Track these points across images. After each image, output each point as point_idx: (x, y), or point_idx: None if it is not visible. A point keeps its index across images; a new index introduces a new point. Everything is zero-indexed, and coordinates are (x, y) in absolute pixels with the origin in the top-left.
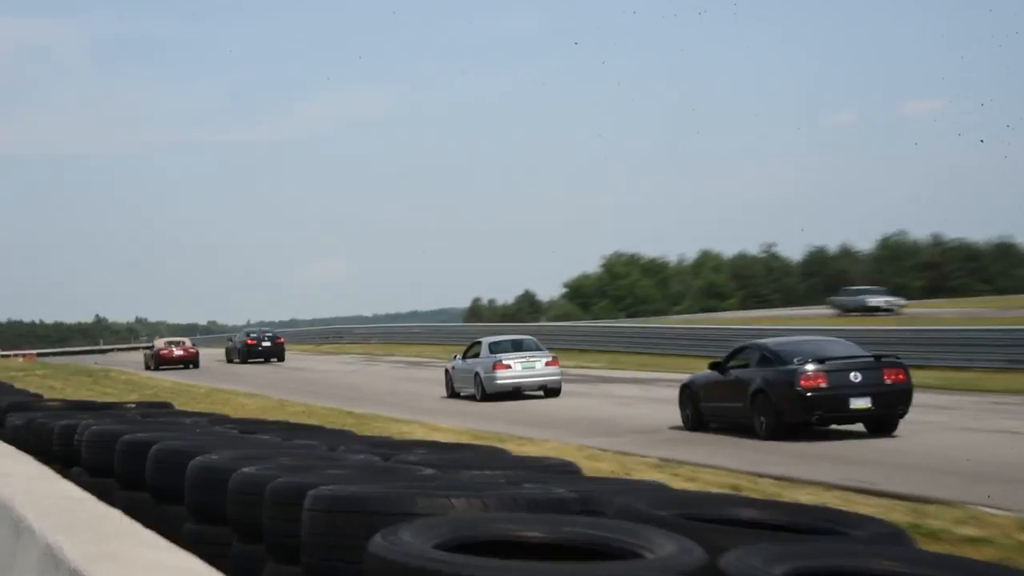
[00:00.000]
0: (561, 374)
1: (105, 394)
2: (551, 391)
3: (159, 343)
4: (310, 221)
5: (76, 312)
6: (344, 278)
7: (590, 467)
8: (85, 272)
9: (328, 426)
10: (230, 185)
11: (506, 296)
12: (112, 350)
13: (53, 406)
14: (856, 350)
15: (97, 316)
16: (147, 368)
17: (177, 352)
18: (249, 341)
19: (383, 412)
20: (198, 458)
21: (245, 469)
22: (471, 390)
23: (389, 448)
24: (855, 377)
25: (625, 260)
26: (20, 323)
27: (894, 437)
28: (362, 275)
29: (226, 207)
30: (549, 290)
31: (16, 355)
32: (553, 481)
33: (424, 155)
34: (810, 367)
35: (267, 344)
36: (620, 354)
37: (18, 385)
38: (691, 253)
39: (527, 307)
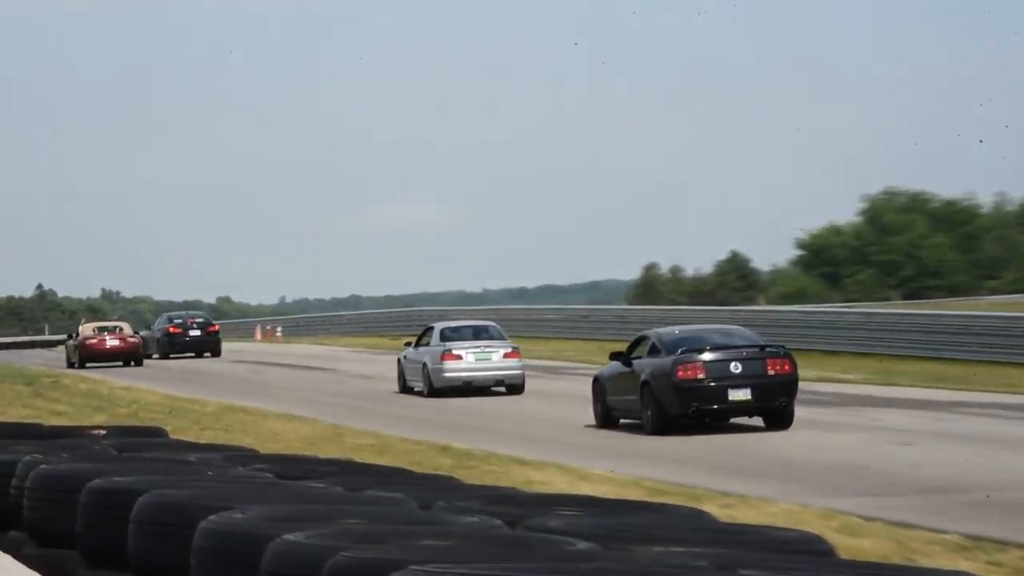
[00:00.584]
0: (523, 368)
1: (55, 413)
2: (511, 388)
3: (86, 329)
4: (382, 139)
5: (6, 283)
6: (436, 232)
7: (847, 546)
8: (20, 221)
9: (415, 469)
10: (246, 75)
11: (701, 262)
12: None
13: None
14: (749, 340)
15: (40, 288)
16: (70, 365)
17: (111, 342)
18: (172, 329)
19: (501, 448)
20: (213, 517)
21: (289, 537)
22: (421, 384)
23: (515, 506)
24: (735, 368)
25: (903, 203)
26: None
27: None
28: (466, 228)
29: (241, 113)
30: (771, 253)
31: None
32: (787, 566)
33: (571, 30)
34: (688, 357)
35: (196, 333)
36: (896, 359)
37: None
38: (1019, 192)
39: (734, 280)
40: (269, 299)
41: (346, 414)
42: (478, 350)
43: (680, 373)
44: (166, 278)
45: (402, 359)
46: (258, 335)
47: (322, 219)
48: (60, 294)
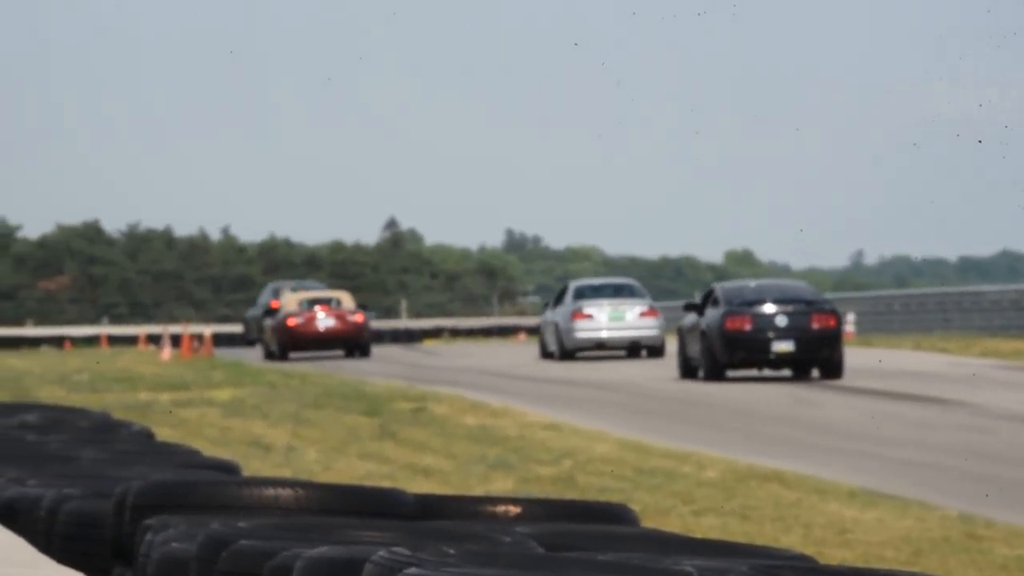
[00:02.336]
0: (661, 328)
1: (420, 470)
2: (650, 350)
3: (289, 302)
4: None
5: (344, 221)
6: None
7: None
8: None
9: None
10: None
11: None
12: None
13: (279, 499)
14: (801, 295)
15: (393, 226)
16: (268, 355)
17: (325, 321)
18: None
19: None
20: None
21: None
22: (555, 347)
23: None
24: (781, 321)
25: None
26: (207, 242)
27: None
28: None
29: None
30: None
31: (162, 335)
32: None
33: None
34: (738, 309)
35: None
36: None
37: (164, 432)
38: None
39: None
40: (830, 258)
41: (985, 492)
42: (612, 308)
43: (728, 324)
44: (622, 219)
45: (542, 322)
46: None
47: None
48: (428, 240)
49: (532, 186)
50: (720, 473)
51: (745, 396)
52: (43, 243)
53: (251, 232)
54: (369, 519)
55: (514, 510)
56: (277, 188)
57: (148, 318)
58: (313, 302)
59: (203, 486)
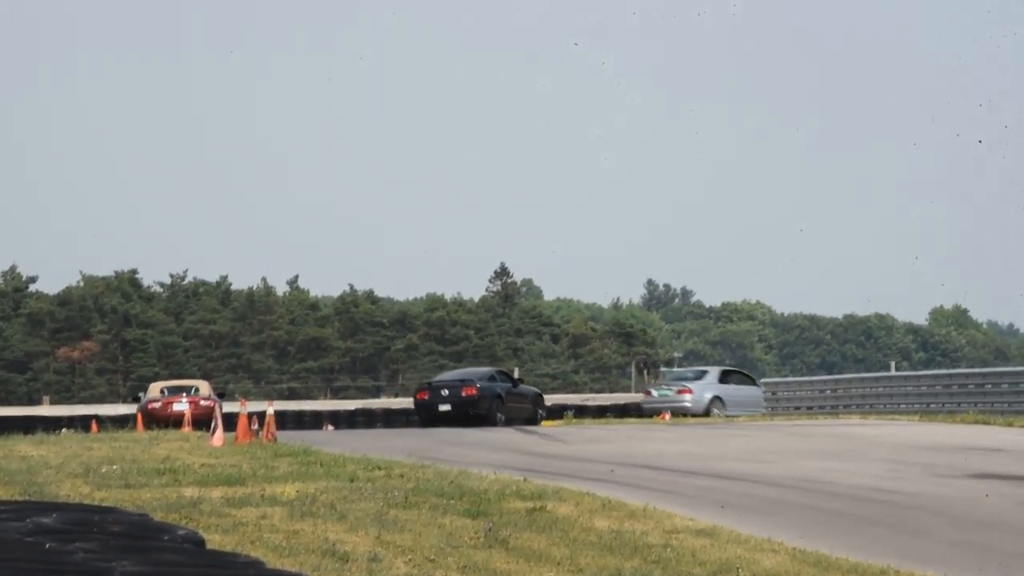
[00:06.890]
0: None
1: None
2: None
3: (153, 389)
4: None
5: None
6: None
7: None
8: None
9: None
10: None
11: None
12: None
13: None
14: (469, 376)
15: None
16: None
17: (178, 407)
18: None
19: None
20: None
21: None
22: None
23: None
24: (444, 392)
25: None
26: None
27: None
28: None
29: None
30: None
31: (213, 415)
32: None
33: None
34: (423, 388)
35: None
36: None
37: (216, 539)
38: None
39: None
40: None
41: None
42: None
43: (418, 396)
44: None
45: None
46: None
47: None
48: (548, 294)
49: (675, 235)
50: None
51: (954, 495)
52: (65, 299)
53: (325, 285)
54: None
55: None
56: (355, 233)
57: None
58: (173, 390)
59: None
